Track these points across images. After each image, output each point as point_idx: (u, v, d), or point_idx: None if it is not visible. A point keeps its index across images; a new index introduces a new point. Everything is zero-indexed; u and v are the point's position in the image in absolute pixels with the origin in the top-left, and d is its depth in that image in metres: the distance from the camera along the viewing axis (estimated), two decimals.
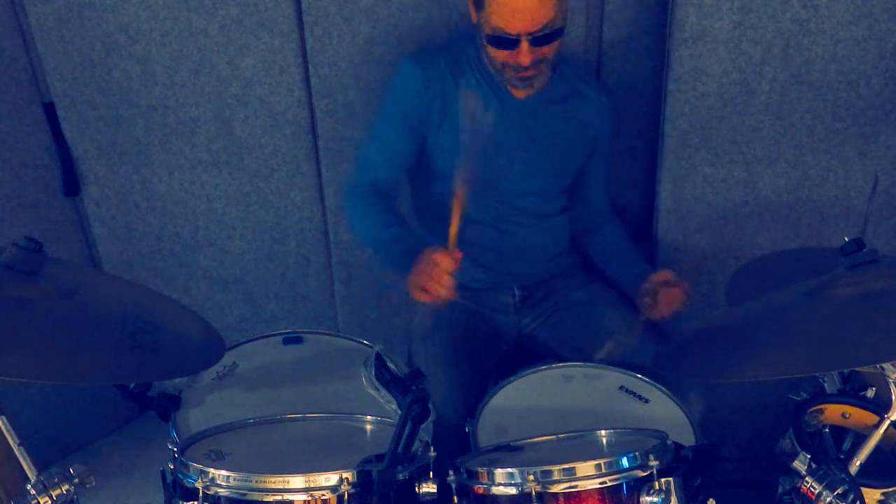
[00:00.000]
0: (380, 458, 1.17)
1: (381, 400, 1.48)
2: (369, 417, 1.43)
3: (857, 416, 1.50)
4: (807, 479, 1.23)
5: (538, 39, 1.54)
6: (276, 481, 1.16)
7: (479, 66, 1.72)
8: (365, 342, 1.67)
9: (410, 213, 1.93)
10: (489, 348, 1.87)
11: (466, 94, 1.65)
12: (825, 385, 1.56)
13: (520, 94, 1.72)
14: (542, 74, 1.65)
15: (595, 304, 1.87)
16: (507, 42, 1.55)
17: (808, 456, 1.25)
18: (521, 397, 1.58)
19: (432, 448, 1.30)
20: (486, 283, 1.89)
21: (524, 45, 1.54)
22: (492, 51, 1.60)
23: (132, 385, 1.38)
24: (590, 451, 1.34)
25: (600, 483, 1.18)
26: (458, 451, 1.40)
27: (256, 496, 1.16)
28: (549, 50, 1.59)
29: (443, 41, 1.87)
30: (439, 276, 1.41)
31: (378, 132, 1.78)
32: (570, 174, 1.86)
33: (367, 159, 1.78)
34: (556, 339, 1.88)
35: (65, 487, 1.21)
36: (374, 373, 1.29)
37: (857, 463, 1.29)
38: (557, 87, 1.76)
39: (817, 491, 1.20)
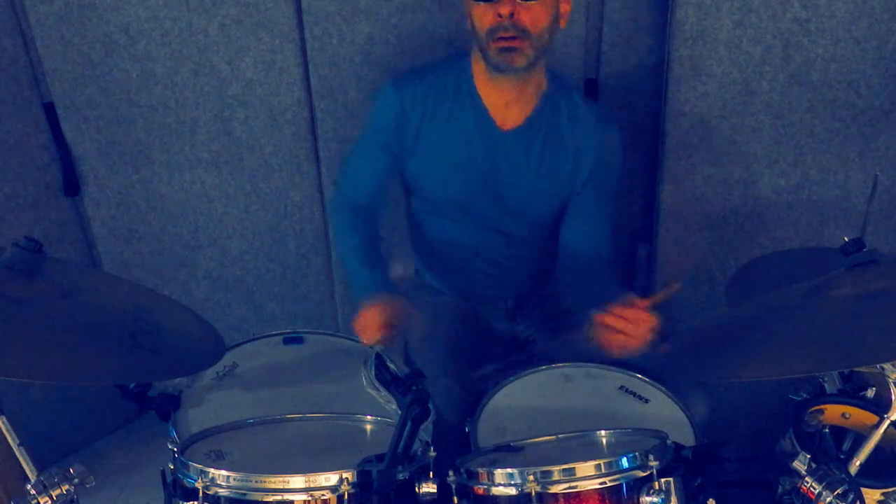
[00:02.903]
0: (380, 458, 1.17)
1: (381, 400, 1.48)
2: (369, 417, 1.43)
3: (857, 416, 1.50)
4: (807, 479, 1.23)
5: None
6: (276, 481, 1.17)
7: (468, 92, 1.68)
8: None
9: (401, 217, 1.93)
10: (486, 350, 1.87)
11: None
12: (825, 385, 1.56)
13: (505, 123, 1.68)
14: (522, 53, 1.56)
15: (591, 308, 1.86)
16: None
17: (808, 456, 1.25)
18: (521, 397, 1.58)
19: (432, 448, 1.30)
20: (476, 296, 1.89)
21: None
22: (477, 14, 1.56)
23: (132, 385, 1.38)
24: (590, 451, 1.34)
25: (600, 483, 1.18)
26: (458, 451, 1.39)
27: (256, 496, 1.16)
28: (532, 14, 1.53)
29: (433, 63, 1.81)
30: (364, 326, 1.52)
31: (355, 154, 1.82)
32: (557, 203, 1.76)
33: (350, 170, 1.83)
34: (552, 344, 1.87)
35: (65, 487, 1.21)
36: (374, 373, 1.29)
37: (857, 463, 1.30)
38: (544, 115, 1.69)
39: (817, 491, 1.20)
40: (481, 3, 1.54)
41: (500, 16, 1.52)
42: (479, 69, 1.66)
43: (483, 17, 1.56)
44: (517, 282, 1.89)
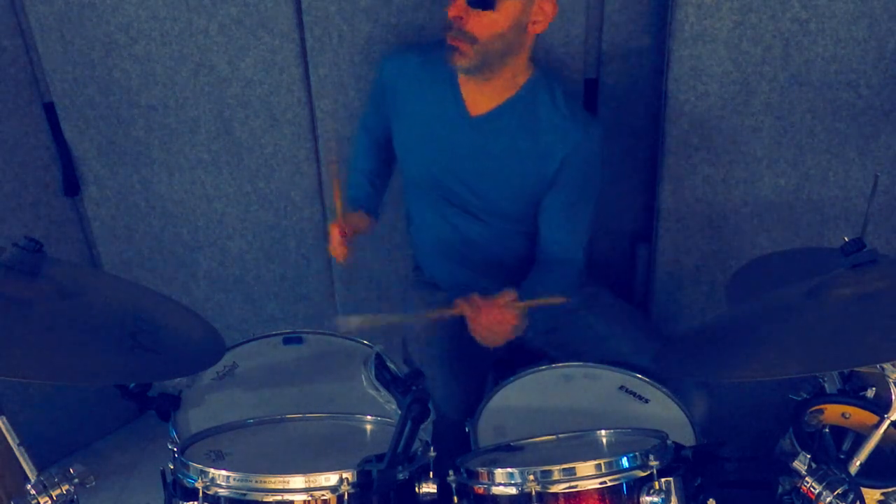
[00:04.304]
0: (380, 458, 1.17)
1: (381, 400, 1.48)
2: (369, 417, 1.43)
3: (857, 416, 1.50)
4: (807, 479, 1.23)
5: None
6: (276, 481, 1.17)
7: (448, 75, 1.70)
8: (365, 342, 1.67)
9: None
10: (485, 349, 1.87)
11: None
12: (825, 385, 1.56)
13: (476, 109, 1.70)
14: (465, 56, 1.58)
15: (591, 308, 1.86)
16: None
17: (808, 456, 1.25)
18: (521, 397, 1.58)
19: (432, 448, 1.30)
20: (470, 289, 1.89)
21: None
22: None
23: (132, 385, 1.38)
24: (590, 451, 1.34)
25: (600, 483, 1.18)
26: (458, 450, 1.39)
27: (256, 496, 1.16)
28: (480, 23, 1.54)
29: (433, 42, 1.84)
30: (331, 238, 1.71)
31: (368, 104, 1.94)
32: (523, 198, 1.75)
33: (364, 116, 1.96)
34: (551, 344, 1.87)
35: (65, 487, 1.21)
36: (374, 373, 1.29)
37: (857, 463, 1.30)
38: (517, 109, 1.69)
39: (817, 491, 1.20)
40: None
41: (449, 13, 1.56)
42: None
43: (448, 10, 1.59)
44: (509, 274, 1.88)
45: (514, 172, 1.72)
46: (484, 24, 1.55)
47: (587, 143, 1.68)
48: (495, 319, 1.57)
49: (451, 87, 1.71)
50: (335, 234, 1.68)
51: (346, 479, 1.16)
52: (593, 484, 1.18)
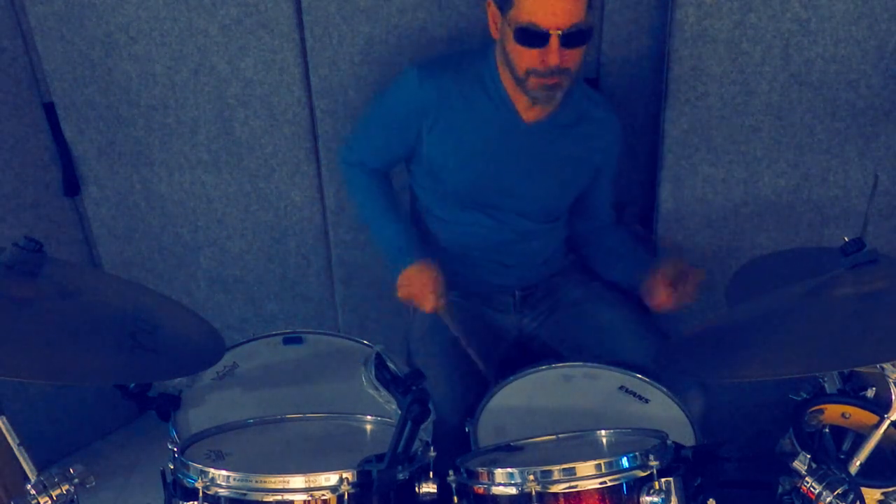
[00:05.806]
0: (380, 458, 1.17)
1: (380, 400, 1.48)
2: (369, 417, 1.43)
3: (857, 416, 1.50)
4: (807, 479, 1.23)
5: (568, 38, 1.51)
6: (276, 481, 1.17)
7: (492, 85, 1.69)
8: (365, 342, 1.67)
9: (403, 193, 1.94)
10: (489, 348, 1.87)
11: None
12: (825, 385, 1.56)
13: (529, 116, 1.70)
14: (561, 88, 1.60)
15: (594, 302, 1.87)
16: (538, 38, 1.51)
17: (808, 456, 1.25)
18: (521, 397, 1.58)
19: (432, 448, 1.30)
20: (488, 286, 1.89)
21: (554, 42, 1.51)
22: (518, 52, 1.56)
23: (132, 385, 1.38)
24: (590, 451, 1.34)
25: (600, 483, 1.18)
26: (458, 451, 1.39)
27: (256, 496, 1.16)
28: (574, 56, 1.56)
29: (457, 53, 1.85)
30: (423, 290, 1.65)
31: (365, 126, 1.85)
32: (574, 194, 1.85)
33: (354, 144, 1.88)
34: (557, 338, 1.88)
35: (65, 487, 1.21)
36: (374, 373, 1.29)
37: (857, 463, 1.30)
38: (566, 111, 1.71)
39: (817, 491, 1.20)
40: (526, 48, 1.54)
41: (543, 61, 1.54)
42: (503, 69, 1.67)
43: (524, 55, 1.56)
44: (526, 272, 1.89)
45: (567, 170, 1.78)
46: (577, 56, 1.57)
47: (616, 123, 1.81)
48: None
49: (498, 98, 1.69)
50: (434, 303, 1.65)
51: (346, 479, 1.16)
52: (593, 484, 1.18)
